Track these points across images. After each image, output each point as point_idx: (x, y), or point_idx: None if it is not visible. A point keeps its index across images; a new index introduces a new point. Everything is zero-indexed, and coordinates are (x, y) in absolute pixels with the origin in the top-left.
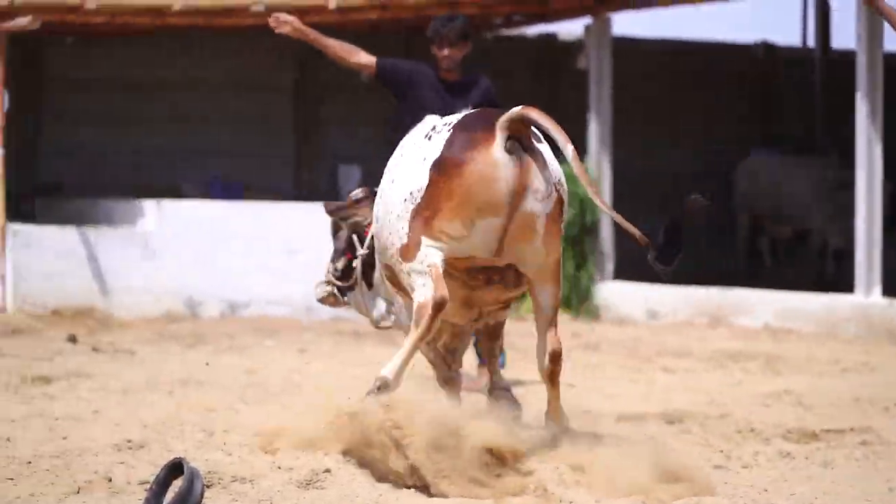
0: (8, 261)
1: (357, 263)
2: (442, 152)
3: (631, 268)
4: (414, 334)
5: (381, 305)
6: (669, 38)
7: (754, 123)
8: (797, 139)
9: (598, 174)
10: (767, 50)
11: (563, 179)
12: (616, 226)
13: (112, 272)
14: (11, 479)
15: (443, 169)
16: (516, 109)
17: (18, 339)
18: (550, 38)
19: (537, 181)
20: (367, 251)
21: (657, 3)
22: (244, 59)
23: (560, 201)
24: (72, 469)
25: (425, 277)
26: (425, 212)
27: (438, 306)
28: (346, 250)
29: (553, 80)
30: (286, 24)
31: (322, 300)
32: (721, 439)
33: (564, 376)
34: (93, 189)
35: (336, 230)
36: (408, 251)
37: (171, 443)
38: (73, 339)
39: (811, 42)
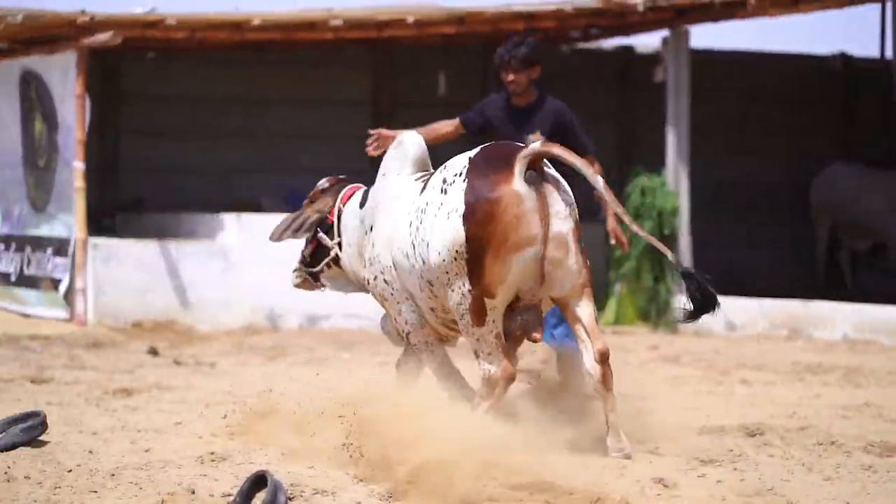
0: (89, 275)
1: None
2: (466, 202)
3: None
4: (485, 405)
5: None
6: (747, 49)
7: (832, 135)
8: (875, 151)
9: (675, 186)
10: (845, 62)
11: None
12: (694, 239)
13: (192, 285)
14: (95, 491)
15: (475, 219)
16: (537, 146)
17: (100, 351)
18: (628, 51)
19: (557, 203)
20: (339, 239)
21: (735, 16)
22: (321, 73)
23: (577, 219)
24: (155, 481)
25: (494, 348)
26: (478, 270)
27: (508, 381)
28: (311, 239)
29: (630, 93)
30: (380, 142)
31: (297, 286)
32: (802, 451)
33: (644, 389)
34: (172, 204)
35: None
36: (476, 315)
37: (253, 455)
38: (154, 351)
39: (889, 53)
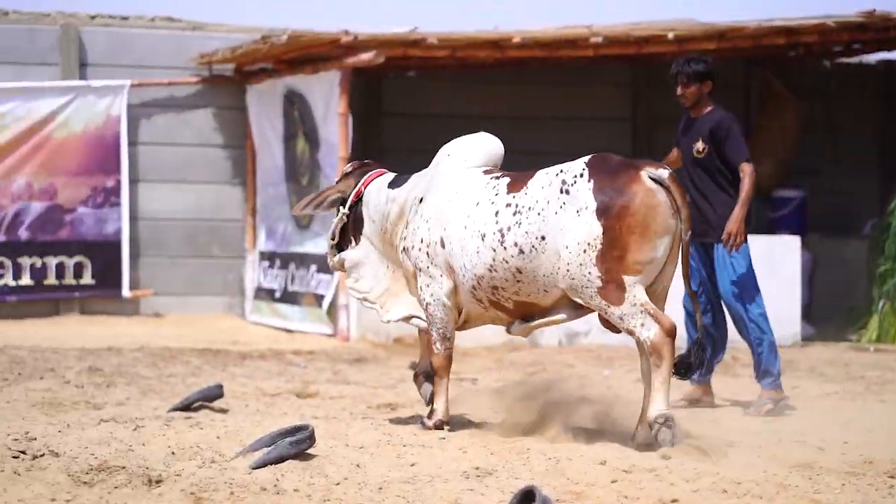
0: None
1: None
2: (599, 200)
3: None
4: (663, 368)
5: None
6: None
7: None
8: None
9: None
10: None
11: None
12: None
13: None
14: None
15: (612, 213)
16: (664, 174)
17: (363, 366)
18: (891, 65)
19: (682, 202)
20: (348, 211)
21: None
22: (578, 90)
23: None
24: (422, 495)
25: (643, 317)
26: (614, 252)
27: (671, 335)
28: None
29: (893, 108)
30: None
31: (333, 267)
32: None
33: None
34: None
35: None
36: (611, 294)
37: (518, 470)
38: (415, 366)
39: None
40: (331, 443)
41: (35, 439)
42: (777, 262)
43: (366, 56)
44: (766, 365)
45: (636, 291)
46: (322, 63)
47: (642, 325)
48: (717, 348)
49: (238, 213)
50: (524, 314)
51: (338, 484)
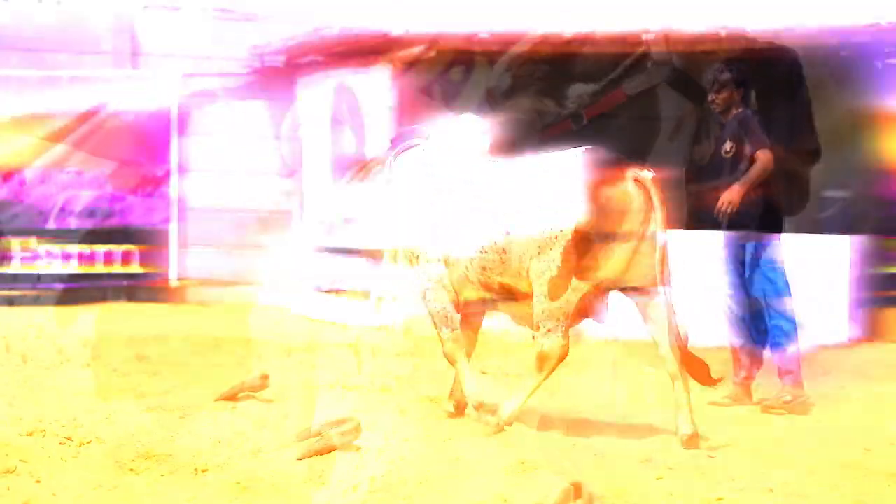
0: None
1: None
2: (582, 192)
3: None
4: (536, 380)
5: None
6: None
7: None
8: None
9: None
10: None
11: None
12: None
13: None
14: (406, 497)
15: (587, 209)
16: (647, 176)
17: (409, 360)
18: None
19: (658, 206)
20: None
21: None
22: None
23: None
24: (466, 488)
25: (556, 325)
26: (578, 247)
27: (561, 359)
28: None
29: None
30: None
31: None
32: None
33: None
34: None
35: None
36: (554, 287)
37: (562, 465)
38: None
39: None
40: (375, 435)
41: (82, 426)
42: (825, 261)
43: (416, 50)
44: (786, 364)
45: (572, 297)
46: (373, 57)
47: (549, 331)
48: (756, 353)
49: (286, 204)
50: (507, 297)
51: (382, 476)
